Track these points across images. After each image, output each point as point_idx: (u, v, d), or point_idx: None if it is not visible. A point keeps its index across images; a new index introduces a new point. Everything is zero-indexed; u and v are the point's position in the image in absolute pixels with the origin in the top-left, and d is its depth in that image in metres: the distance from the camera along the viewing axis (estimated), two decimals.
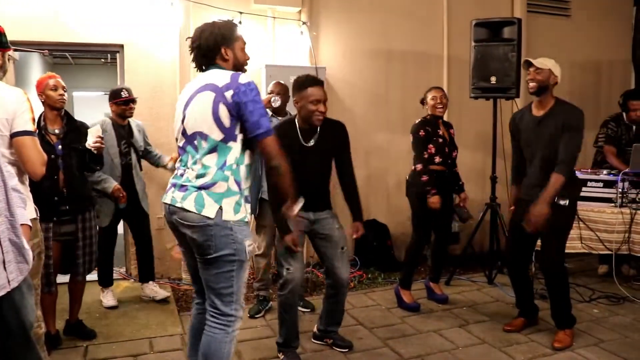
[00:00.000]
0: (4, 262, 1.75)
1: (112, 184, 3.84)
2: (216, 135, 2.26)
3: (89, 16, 4.45)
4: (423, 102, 4.21)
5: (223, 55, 2.36)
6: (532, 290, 3.77)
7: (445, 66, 5.65)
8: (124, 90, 4.01)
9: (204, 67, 2.40)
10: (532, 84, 3.41)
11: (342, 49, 5.26)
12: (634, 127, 4.78)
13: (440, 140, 4.09)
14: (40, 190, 3.13)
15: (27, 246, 1.86)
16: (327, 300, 3.38)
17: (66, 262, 3.40)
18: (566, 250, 4.34)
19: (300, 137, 3.11)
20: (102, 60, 9.36)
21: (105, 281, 4.14)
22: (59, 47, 4.75)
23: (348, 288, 3.41)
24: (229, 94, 2.23)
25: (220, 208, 2.26)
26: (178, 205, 2.29)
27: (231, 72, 2.31)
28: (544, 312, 3.91)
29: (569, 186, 3.34)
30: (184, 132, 2.37)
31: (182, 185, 2.32)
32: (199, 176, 2.29)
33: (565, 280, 3.49)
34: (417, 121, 4.11)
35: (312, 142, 3.14)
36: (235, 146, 2.29)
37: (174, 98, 4.68)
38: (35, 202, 3.24)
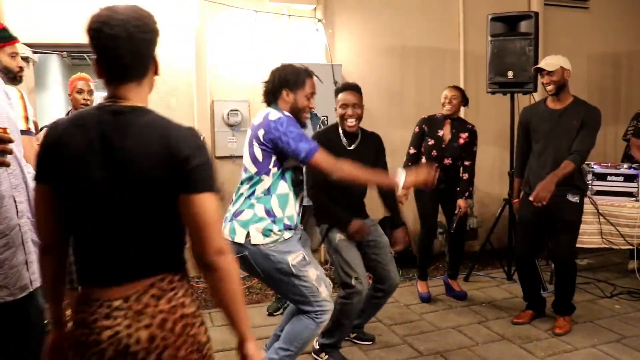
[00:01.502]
0: (26, 262, 1.76)
1: None
2: (252, 168, 2.48)
3: None
4: None
5: (284, 97, 2.53)
6: (540, 282, 3.85)
7: (461, 61, 5.61)
8: None
9: (267, 104, 2.58)
10: (550, 87, 3.46)
11: (357, 46, 5.25)
12: None
13: (431, 141, 4.09)
14: None
15: None
16: (370, 302, 3.28)
17: None
18: (587, 246, 4.34)
19: (342, 139, 3.20)
20: None
21: None
22: (77, 48, 4.80)
23: None
24: (261, 133, 2.42)
25: (248, 233, 2.43)
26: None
27: (267, 112, 2.47)
28: None
29: (579, 182, 3.49)
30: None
31: (225, 217, 2.53)
32: (233, 204, 2.53)
33: (574, 274, 3.60)
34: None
35: (353, 146, 3.21)
36: (267, 179, 2.46)
37: (191, 97, 4.72)
38: None
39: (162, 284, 1.37)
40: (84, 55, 6.33)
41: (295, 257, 2.46)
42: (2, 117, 1.88)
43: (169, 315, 1.34)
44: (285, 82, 2.51)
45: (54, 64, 7.81)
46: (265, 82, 2.58)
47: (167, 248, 1.41)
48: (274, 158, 2.43)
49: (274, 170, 2.45)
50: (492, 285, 4.62)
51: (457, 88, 4.18)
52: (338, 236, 3.09)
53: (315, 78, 2.62)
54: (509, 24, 4.58)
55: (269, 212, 2.46)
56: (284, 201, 2.49)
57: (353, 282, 2.97)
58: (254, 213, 2.45)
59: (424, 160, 4.12)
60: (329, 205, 3.09)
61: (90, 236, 1.37)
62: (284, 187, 2.49)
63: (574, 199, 3.45)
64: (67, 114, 3.40)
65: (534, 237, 3.69)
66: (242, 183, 2.54)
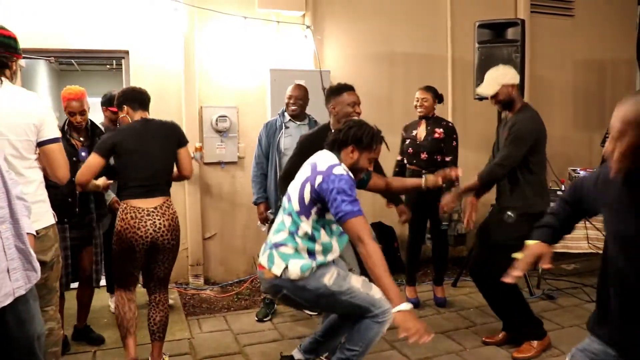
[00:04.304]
0: (8, 270, 1.72)
1: (111, 197, 3.79)
2: (296, 205, 2.51)
3: (94, 23, 4.47)
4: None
5: (348, 152, 2.55)
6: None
7: (449, 68, 5.65)
8: None
9: (329, 149, 2.60)
10: (498, 107, 3.37)
11: (346, 52, 5.27)
12: None
13: (408, 141, 4.18)
14: (57, 193, 3.18)
15: (34, 254, 1.84)
16: None
17: (74, 268, 3.40)
18: (573, 251, 4.38)
19: None
20: (108, 66, 9.41)
21: (113, 287, 4.13)
22: (65, 53, 4.78)
23: None
24: (318, 180, 2.42)
25: (286, 267, 2.45)
26: (259, 261, 2.59)
27: (334, 163, 2.49)
28: (550, 313, 3.91)
29: (517, 199, 3.21)
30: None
31: (266, 244, 2.62)
32: (275, 234, 2.56)
33: (515, 292, 3.28)
34: None
35: None
36: (305, 222, 2.47)
37: (179, 103, 4.72)
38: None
39: (167, 202, 2.98)
40: (72, 60, 6.29)
41: (330, 276, 2.48)
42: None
43: (173, 216, 2.99)
44: (358, 140, 2.53)
45: (41, 69, 7.76)
46: (338, 130, 2.60)
47: (168, 182, 3.10)
48: (318, 205, 2.46)
49: (314, 216, 2.47)
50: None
51: (428, 89, 4.21)
52: None
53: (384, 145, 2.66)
54: (496, 31, 4.62)
55: (311, 254, 2.50)
56: (328, 248, 2.53)
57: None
58: (296, 249, 2.49)
59: (402, 158, 4.17)
60: None
61: (139, 173, 2.92)
62: (326, 237, 2.52)
63: (509, 220, 3.20)
64: (65, 121, 3.38)
65: (492, 249, 3.33)
66: (284, 212, 2.58)
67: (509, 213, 3.22)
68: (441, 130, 4.16)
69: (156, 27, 4.66)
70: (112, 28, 4.54)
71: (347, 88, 3.27)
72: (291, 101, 3.92)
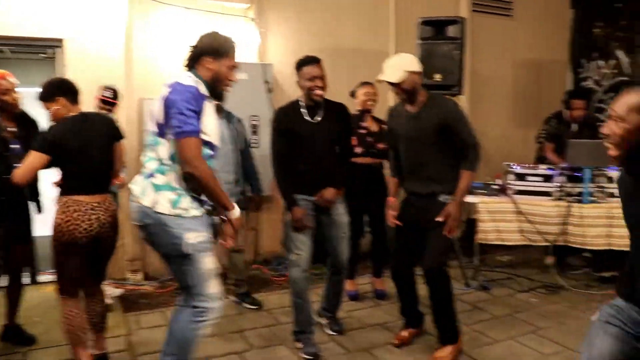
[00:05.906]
0: None
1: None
2: (153, 127, 2.36)
3: (26, 8, 4.28)
4: (353, 94, 4.29)
5: (205, 64, 2.40)
6: (417, 296, 3.43)
7: None
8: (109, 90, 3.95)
9: (188, 68, 2.46)
10: (402, 97, 3.13)
11: (290, 46, 5.25)
12: (574, 125, 4.97)
13: (363, 131, 4.16)
14: None
15: None
16: (329, 282, 3.57)
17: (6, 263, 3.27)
18: (508, 243, 4.52)
19: (305, 113, 3.25)
20: (42, 55, 9.00)
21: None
22: None
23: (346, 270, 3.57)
24: (166, 91, 2.31)
25: (157, 200, 2.33)
26: (131, 185, 2.42)
27: (185, 75, 2.37)
28: (484, 303, 4.03)
29: (451, 181, 3.08)
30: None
31: (141, 173, 2.45)
32: (147, 162, 2.41)
33: (448, 287, 3.12)
34: None
35: (318, 119, 3.26)
36: (165, 144, 2.33)
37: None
38: None
39: (109, 199, 2.93)
40: (2, 47, 5.98)
41: (195, 236, 2.33)
42: None
43: (114, 213, 2.94)
44: (210, 49, 2.41)
45: None
46: (192, 46, 2.46)
47: (109, 180, 3.00)
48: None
49: (169, 135, 2.31)
50: (421, 282, 4.71)
51: (373, 84, 4.20)
52: None
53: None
54: (438, 28, 4.70)
55: (179, 182, 2.35)
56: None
57: (291, 256, 3.23)
58: (166, 180, 2.34)
59: (360, 150, 4.10)
60: (281, 182, 3.23)
61: (83, 170, 2.81)
62: None
63: (444, 198, 3.09)
64: None
65: (412, 246, 3.24)
66: (148, 143, 2.44)
67: (442, 196, 3.10)
68: (382, 125, 4.23)
69: (94, 15, 4.51)
70: (46, 15, 4.35)
71: (307, 62, 3.20)
72: None
